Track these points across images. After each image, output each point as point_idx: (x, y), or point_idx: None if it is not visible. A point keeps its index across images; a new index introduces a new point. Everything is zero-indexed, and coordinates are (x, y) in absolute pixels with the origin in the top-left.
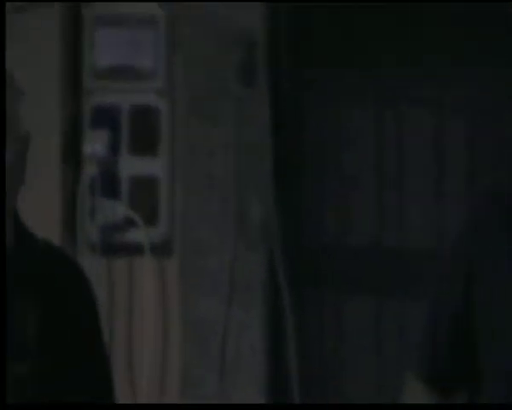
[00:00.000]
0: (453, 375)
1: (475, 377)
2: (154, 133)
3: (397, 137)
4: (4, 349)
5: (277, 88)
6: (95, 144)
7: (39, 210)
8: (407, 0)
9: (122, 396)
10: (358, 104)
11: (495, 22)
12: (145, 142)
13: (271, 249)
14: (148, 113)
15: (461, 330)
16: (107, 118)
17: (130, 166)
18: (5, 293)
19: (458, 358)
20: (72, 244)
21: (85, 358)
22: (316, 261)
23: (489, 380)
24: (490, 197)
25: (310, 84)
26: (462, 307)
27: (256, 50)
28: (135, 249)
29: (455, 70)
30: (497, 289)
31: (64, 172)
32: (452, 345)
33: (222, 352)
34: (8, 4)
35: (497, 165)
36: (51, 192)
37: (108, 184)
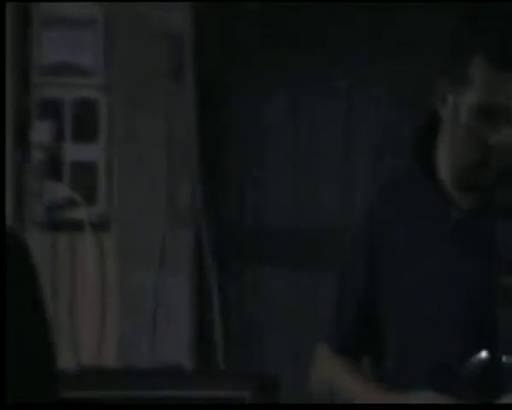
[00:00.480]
0: (358, 345)
1: (379, 348)
2: (94, 123)
3: (310, 125)
4: (4, 350)
5: (203, 82)
6: (41, 133)
7: None
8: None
9: (65, 358)
10: (276, 94)
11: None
12: (86, 131)
13: (198, 227)
14: (88, 105)
15: (366, 303)
16: (52, 110)
17: (73, 152)
18: (5, 293)
19: (363, 330)
20: (21, 222)
21: (27, 323)
22: (239, 238)
23: (391, 352)
24: (392, 179)
25: (232, 77)
26: (366, 282)
27: (184, 48)
28: (76, 226)
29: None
30: (400, 263)
31: (14, 158)
32: (358, 316)
33: (153, 318)
34: None
35: (401, 151)
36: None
37: (53, 168)
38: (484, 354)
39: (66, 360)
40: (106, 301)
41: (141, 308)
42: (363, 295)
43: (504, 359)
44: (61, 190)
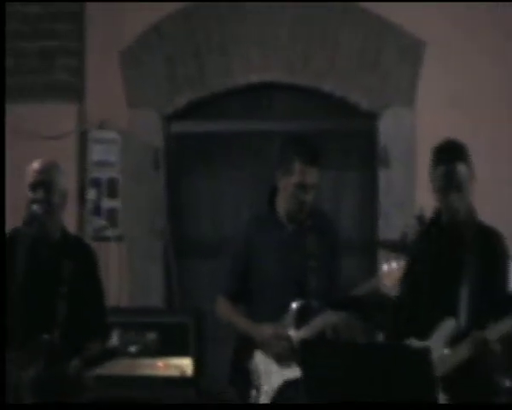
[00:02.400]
0: (238, 295)
1: (249, 298)
2: (115, 188)
3: (226, 192)
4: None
5: (170, 170)
6: (91, 194)
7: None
8: None
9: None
10: (211, 179)
11: None
12: (112, 192)
13: (167, 240)
14: (113, 181)
15: (242, 273)
16: (97, 183)
17: (107, 203)
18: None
19: (241, 287)
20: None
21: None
22: (184, 246)
23: (255, 301)
24: (256, 214)
25: (184, 168)
26: (243, 260)
27: (159, 154)
28: (107, 239)
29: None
30: (259, 253)
31: (78, 207)
32: (238, 280)
33: (146, 283)
34: None
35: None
36: None
37: (96, 211)
38: (301, 301)
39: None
40: (122, 275)
41: (140, 279)
42: (241, 268)
43: (313, 304)
44: (100, 222)
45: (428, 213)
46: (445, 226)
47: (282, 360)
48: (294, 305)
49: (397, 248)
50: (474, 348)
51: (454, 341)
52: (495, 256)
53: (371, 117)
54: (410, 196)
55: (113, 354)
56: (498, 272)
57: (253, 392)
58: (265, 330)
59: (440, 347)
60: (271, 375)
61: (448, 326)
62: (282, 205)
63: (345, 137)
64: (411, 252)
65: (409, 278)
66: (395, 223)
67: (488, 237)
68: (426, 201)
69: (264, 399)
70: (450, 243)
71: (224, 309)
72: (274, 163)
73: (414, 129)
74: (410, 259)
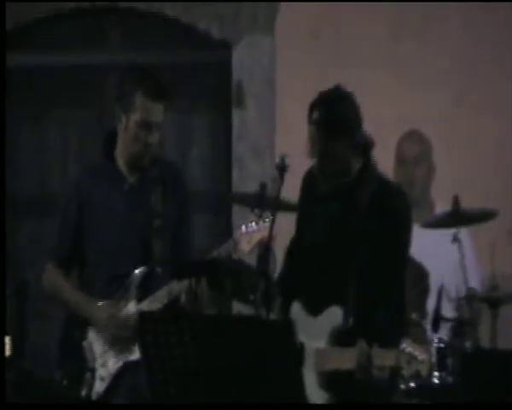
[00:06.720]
0: (68, 261)
1: (81, 263)
2: None
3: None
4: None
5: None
6: None
7: None
8: None
9: None
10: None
11: None
12: None
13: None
14: None
15: (74, 235)
16: None
17: None
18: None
19: (70, 252)
20: None
21: None
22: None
23: (89, 266)
24: (90, 165)
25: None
26: (76, 221)
27: None
28: None
29: None
30: (95, 210)
31: None
32: (68, 244)
33: None
34: None
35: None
36: None
37: None
38: (144, 268)
39: None
40: None
41: None
42: (73, 229)
43: (158, 271)
44: None
45: (290, 160)
46: (334, 189)
47: (119, 343)
48: (136, 272)
49: (254, 202)
50: (358, 360)
51: (339, 335)
52: (393, 226)
53: (224, 47)
54: (268, 140)
55: None
56: (394, 253)
57: (87, 377)
58: (100, 310)
59: (322, 338)
60: (108, 357)
61: (332, 316)
62: (122, 150)
63: (192, 72)
64: (300, 220)
65: (294, 250)
66: (252, 172)
67: (387, 200)
68: (287, 146)
69: (99, 385)
70: (340, 210)
71: (53, 279)
72: (112, 100)
73: (273, 62)
74: (297, 226)
